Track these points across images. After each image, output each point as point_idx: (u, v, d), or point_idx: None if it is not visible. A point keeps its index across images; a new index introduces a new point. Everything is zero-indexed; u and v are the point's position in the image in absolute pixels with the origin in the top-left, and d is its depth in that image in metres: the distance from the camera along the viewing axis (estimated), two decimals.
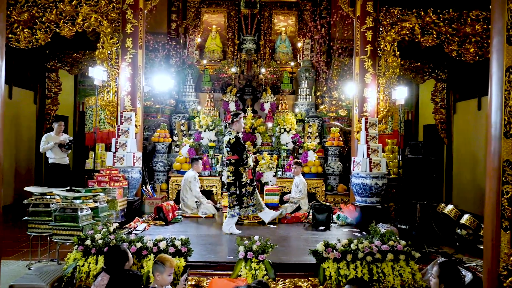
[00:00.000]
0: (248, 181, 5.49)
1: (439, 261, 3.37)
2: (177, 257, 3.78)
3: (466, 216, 6.15)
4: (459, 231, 6.13)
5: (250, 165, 5.53)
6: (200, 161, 6.86)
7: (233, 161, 5.44)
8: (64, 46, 8.74)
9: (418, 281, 3.82)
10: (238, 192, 5.44)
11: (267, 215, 5.82)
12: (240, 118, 5.56)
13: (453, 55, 6.91)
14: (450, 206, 6.61)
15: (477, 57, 6.87)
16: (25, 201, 5.04)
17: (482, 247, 3.26)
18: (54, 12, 6.41)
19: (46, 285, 3.66)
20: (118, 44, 6.58)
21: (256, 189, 5.64)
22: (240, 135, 5.64)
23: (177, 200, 7.02)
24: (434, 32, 6.81)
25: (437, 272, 3.01)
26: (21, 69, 8.73)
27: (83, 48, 9.02)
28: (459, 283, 3.03)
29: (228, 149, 5.46)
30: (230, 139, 5.43)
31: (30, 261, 5.10)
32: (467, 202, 8.53)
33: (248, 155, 5.56)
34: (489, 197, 3.11)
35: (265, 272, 3.72)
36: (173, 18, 9.61)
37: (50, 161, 6.87)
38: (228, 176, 5.50)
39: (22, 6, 6.37)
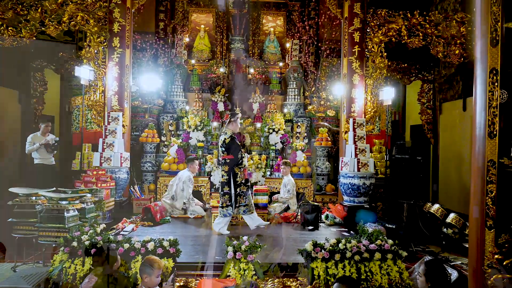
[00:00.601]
0: (243, 181, 5.48)
1: (425, 259, 3.41)
2: (165, 258, 3.76)
3: (452, 215, 6.24)
4: (445, 230, 6.22)
5: (245, 165, 5.52)
6: (196, 162, 6.77)
7: (228, 160, 5.42)
8: (50, 44, 8.60)
9: (405, 279, 3.86)
10: (232, 192, 5.42)
11: (253, 221, 5.60)
12: (237, 118, 5.59)
13: (439, 56, 7.02)
14: (436, 206, 6.70)
15: (462, 59, 6.99)
16: (10, 202, 4.95)
17: (467, 246, 3.31)
18: (39, 10, 6.31)
19: (31, 287, 3.60)
20: (105, 43, 6.51)
21: (249, 190, 5.63)
22: None
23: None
24: (421, 34, 6.90)
25: (424, 270, 3.06)
26: (6, 68, 8.55)
27: (69, 47, 8.88)
28: (445, 281, 3.08)
29: (223, 149, 5.45)
30: (225, 138, 5.42)
31: (15, 263, 4.99)
32: (453, 201, 8.64)
33: (244, 155, 5.55)
34: (474, 196, 3.16)
35: (254, 272, 3.72)
36: (161, 17, 9.55)
37: (35, 161, 6.75)
38: (222, 176, 5.48)
39: (6, 4, 6.26)
